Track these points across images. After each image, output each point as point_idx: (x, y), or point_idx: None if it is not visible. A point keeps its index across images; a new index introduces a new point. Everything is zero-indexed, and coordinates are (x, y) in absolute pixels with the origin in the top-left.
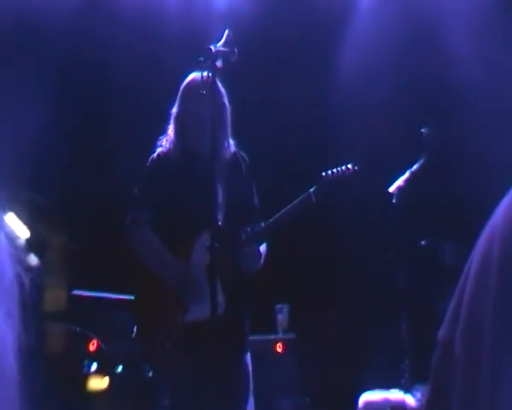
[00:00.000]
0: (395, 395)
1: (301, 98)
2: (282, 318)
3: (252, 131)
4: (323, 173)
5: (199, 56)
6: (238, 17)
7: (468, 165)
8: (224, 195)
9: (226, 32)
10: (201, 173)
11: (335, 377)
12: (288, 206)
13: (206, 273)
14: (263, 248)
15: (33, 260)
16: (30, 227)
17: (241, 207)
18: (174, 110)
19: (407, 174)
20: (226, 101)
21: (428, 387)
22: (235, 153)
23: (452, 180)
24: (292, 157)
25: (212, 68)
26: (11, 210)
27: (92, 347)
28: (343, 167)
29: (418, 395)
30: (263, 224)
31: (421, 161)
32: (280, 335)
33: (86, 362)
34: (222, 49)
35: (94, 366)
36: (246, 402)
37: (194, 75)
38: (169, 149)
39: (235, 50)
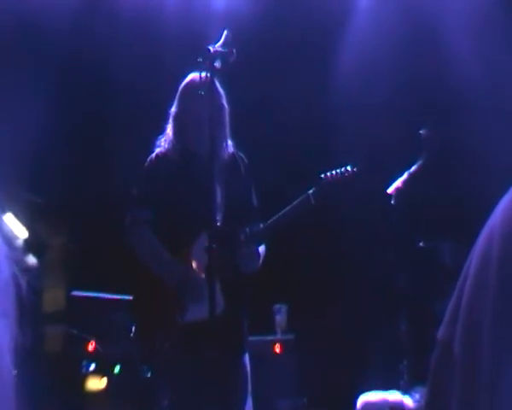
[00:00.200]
0: (393, 395)
1: (300, 98)
2: (280, 318)
3: (251, 132)
4: (322, 175)
5: (197, 57)
6: (237, 17)
7: (468, 165)
8: (222, 195)
9: (225, 32)
10: (200, 174)
11: (334, 378)
12: (287, 207)
13: (205, 274)
14: (262, 248)
15: (32, 260)
16: (29, 228)
17: (239, 208)
18: (173, 110)
19: (405, 175)
20: (225, 101)
21: (427, 387)
22: (233, 153)
23: (452, 180)
24: (291, 157)
25: (211, 69)
26: (10, 210)
27: (90, 347)
28: (342, 169)
29: (417, 395)
30: (262, 225)
31: (419, 162)
32: (278, 335)
33: (84, 362)
34: (220, 49)
35: (92, 367)
36: (244, 403)
37: (192, 75)
38: (167, 150)
39: (234, 51)
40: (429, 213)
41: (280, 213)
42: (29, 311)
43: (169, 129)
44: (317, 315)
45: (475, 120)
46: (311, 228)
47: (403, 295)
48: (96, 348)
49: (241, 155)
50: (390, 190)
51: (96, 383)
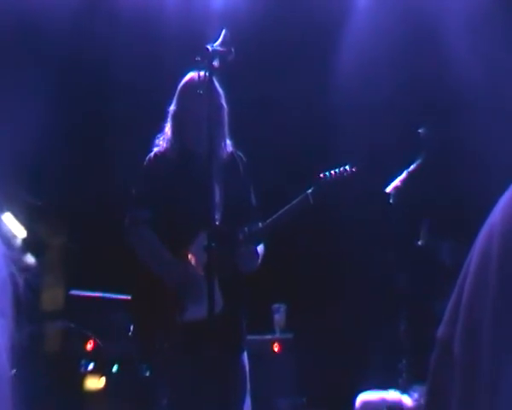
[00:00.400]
0: (392, 395)
1: (299, 98)
2: (279, 317)
3: (250, 132)
4: (321, 174)
5: (196, 56)
6: (237, 17)
7: (468, 165)
8: (221, 194)
9: (223, 31)
10: (198, 173)
11: (332, 377)
12: (286, 207)
13: (203, 273)
14: (260, 248)
15: (30, 259)
16: (28, 227)
17: (238, 207)
18: (171, 109)
19: (404, 174)
20: (223, 101)
21: (427, 387)
22: (232, 153)
23: (452, 180)
24: (290, 157)
25: (209, 68)
26: (9, 210)
27: (89, 346)
28: (341, 169)
29: (415, 395)
30: (260, 224)
31: (418, 161)
32: (277, 335)
33: (83, 362)
34: (219, 48)
35: (91, 366)
36: (243, 402)
37: (191, 74)
38: (166, 149)
39: (232, 50)
40: (428, 213)
41: (279, 213)
42: (27, 310)
43: (167, 128)
44: (316, 314)
45: (475, 119)
46: (310, 227)
47: (402, 295)
48: (94, 348)
49: (240, 154)
50: (388, 189)
51: (95, 383)
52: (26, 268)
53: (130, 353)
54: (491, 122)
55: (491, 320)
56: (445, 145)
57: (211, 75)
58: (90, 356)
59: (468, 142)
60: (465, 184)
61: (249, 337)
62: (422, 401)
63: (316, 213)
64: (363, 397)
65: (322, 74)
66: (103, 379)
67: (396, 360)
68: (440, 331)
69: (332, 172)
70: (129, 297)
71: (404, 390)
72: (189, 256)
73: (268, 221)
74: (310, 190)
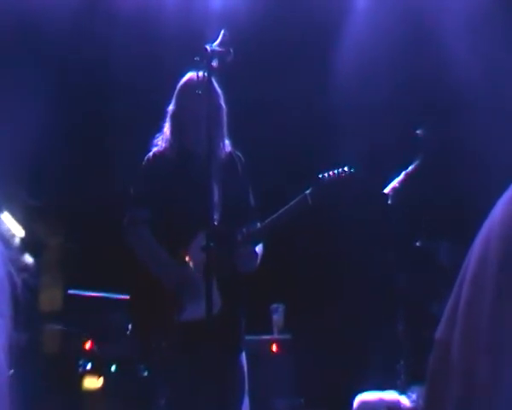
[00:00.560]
0: (390, 395)
1: (299, 98)
2: (277, 318)
3: (250, 132)
4: (320, 175)
5: (195, 56)
6: (236, 18)
7: (468, 165)
8: (219, 194)
9: (222, 31)
10: (197, 173)
11: (331, 378)
12: (284, 207)
13: (202, 273)
14: (259, 248)
15: (28, 259)
16: (26, 227)
17: (236, 207)
18: (170, 108)
19: (402, 175)
20: (222, 101)
21: (426, 388)
22: (230, 153)
23: (451, 180)
24: (290, 157)
25: (208, 68)
26: (7, 209)
27: (87, 346)
28: (339, 170)
29: (413, 395)
30: (259, 224)
31: (416, 162)
32: (275, 335)
33: (81, 361)
34: (217, 48)
35: (89, 366)
36: (241, 402)
37: (190, 74)
38: (165, 148)
39: (231, 50)
40: (427, 214)
41: (277, 213)
42: (25, 310)
43: (166, 128)
44: (315, 315)
45: (475, 119)
46: (309, 228)
47: (400, 296)
48: (92, 347)
49: (239, 154)
50: (387, 190)
51: (93, 382)
52: (24, 268)
53: (128, 353)
54: (490, 122)
55: (489, 324)
56: (445, 145)
57: (210, 75)
58: (88, 356)
59: (468, 142)
60: (464, 184)
61: (247, 337)
62: (420, 402)
63: (314, 214)
64: (362, 398)
65: (322, 74)
66: (101, 379)
67: (394, 361)
68: (439, 332)
69: (330, 172)
70: (127, 297)
71: (402, 391)
72: (188, 256)
73: (266, 221)
74: (308, 191)
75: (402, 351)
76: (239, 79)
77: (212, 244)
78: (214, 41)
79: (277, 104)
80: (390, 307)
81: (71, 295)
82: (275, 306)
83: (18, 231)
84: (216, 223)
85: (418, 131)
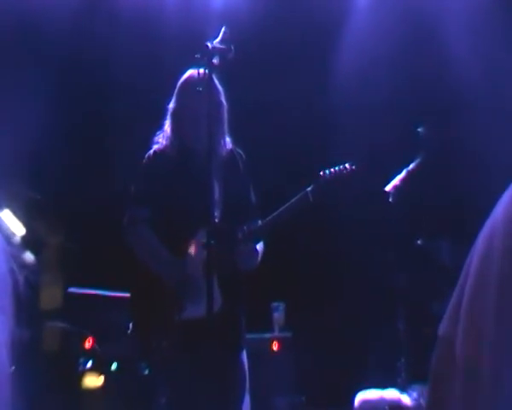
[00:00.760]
0: (391, 393)
1: (299, 98)
2: (278, 316)
3: (250, 131)
4: (321, 172)
5: (195, 53)
6: (237, 17)
7: (468, 165)
8: (220, 192)
9: (223, 29)
10: (198, 170)
11: (332, 376)
12: (285, 204)
13: (203, 271)
14: (260, 246)
15: (29, 257)
16: (27, 225)
17: (237, 205)
18: (171, 106)
19: (403, 173)
20: (223, 98)
21: (429, 385)
22: (231, 150)
23: (451, 180)
24: (290, 156)
25: (209, 65)
26: (8, 207)
27: (88, 344)
28: (341, 167)
29: (414, 394)
30: (260, 222)
31: (417, 160)
32: (276, 333)
33: (82, 360)
34: (218, 46)
35: (89, 364)
36: (241, 401)
37: (190, 72)
38: (165, 146)
39: (232, 48)
40: (428, 213)
41: (278, 211)
42: (26, 307)
43: (167, 125)
44: (315, 313)
45: (475, 119)
46: (310, 226)
47: (401, 294)
48: (93, 346)
49: (240, 151)
50: (388, 188)
51: (94, 381)
52: (25, 265)
53: (128, 351)
54: (490, 122)
55: (493, 320)
56: (445, 145)
57: (210, 72)
58: (89, 354)
59: (468, 142)
60: (465, 183)
61: (248, 336)
62: (421, 401)
63: (315, 212)
64: (362, 396)
65: (322, 74)
66: (102, 377)
67: (395, 359)
68: (442, 329)
69: (332, 169)
70: (128, 295)
71: (402, 389)
72: (188, 254)
73: (267, 219)
74: (309, 188)
75: (403, 349)
76: (239, 79)
77: (212, 242)
78: (214, 38)
79: (277, 104)
80: (390, 306)
81: (71, 293)
82: (275, 304)
83: (19, 229)
84: (217, 220)
85: (419, 130)
